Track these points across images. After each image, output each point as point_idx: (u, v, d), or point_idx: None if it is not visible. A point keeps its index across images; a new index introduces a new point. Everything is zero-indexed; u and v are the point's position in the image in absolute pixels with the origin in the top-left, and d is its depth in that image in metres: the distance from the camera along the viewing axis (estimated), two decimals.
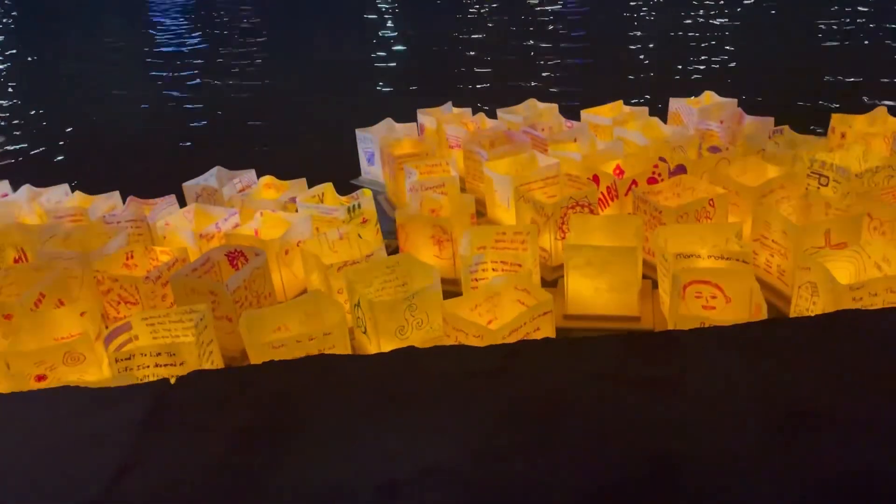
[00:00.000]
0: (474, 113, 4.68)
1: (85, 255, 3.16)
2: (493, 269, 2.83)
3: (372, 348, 2.66)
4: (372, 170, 4.54)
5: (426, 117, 4.60)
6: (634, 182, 3.15)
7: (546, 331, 2.46)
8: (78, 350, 2.45)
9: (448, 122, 4.49)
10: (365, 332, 2.68)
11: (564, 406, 1.37)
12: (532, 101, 4.72)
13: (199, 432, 1.58)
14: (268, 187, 3.89)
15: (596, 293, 2.73)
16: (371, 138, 4.45)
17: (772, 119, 3.80)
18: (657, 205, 2.89)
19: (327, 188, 3.70)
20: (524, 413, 1.38)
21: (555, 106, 4.63)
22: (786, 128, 3.65)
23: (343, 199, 3.68)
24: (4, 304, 2.77)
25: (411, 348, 1.74)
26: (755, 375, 1.37)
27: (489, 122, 4.50)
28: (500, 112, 4.59)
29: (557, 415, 1.35)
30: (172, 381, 1.80)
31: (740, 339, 1.49)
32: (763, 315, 2.07)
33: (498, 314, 2.62)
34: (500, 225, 3.27)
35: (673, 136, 3.69)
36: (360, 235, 3.15)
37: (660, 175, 3.20)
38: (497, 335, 2.25)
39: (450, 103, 4.73)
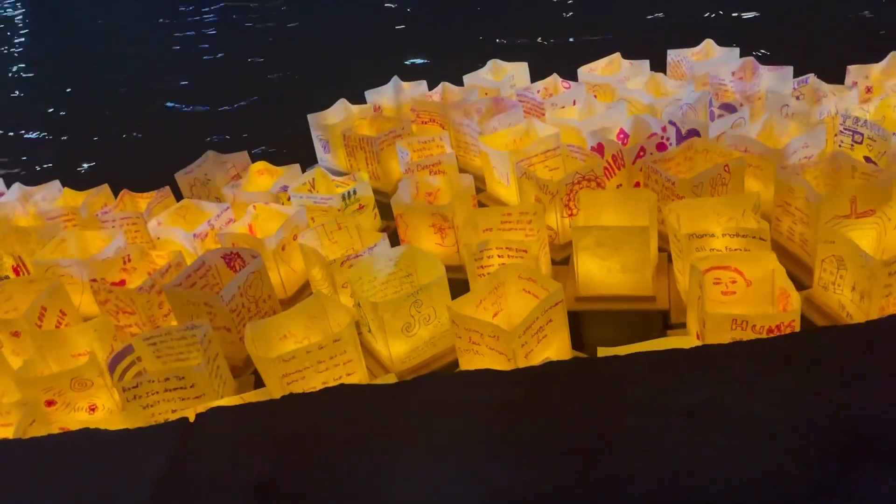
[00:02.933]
0: (431, 87, 4.34)
1: (83, 261, 3.07)
2: (499, 256, 2.74)
3: (380, 348, 2.61)
4: (328, 157, 4.16)
5: (380, 97, 4.24)
6: (642, 149, 3.02)
7: (559, 321, 2.39)
8: (85, 376, 2.39)
9: (407, 97, 4.20)
10: (370, 332, 2.61)
11: (604, 444, 1.30)
12: (495, 62, 4.44)
13: (220, 483, 1.52)
14: (260, 174, 3.76)
15: (608, 274, 2.65)
16: (325, 125, 4.06)
17: (790, 68, 3.53)
18: (669, 175, 2.77)
19: (318, 173, 3.57)
20: (561, 453, 1.31)
21: (524, 64, 4.39)
22: (812, 76, 3.40)
23: (337, 180, 3.57)
24: (12, 322, 2.71)
25: (434, 375, 1.68)
26: (809, 397, 1.28)
27: (456, 91, 4.23)
28: (466, 78, 4.31)
29: (597, 455, 1.28)
30: (192, 418, 1.74)
31: (787, 355, 1.40)
32: (793, 303, 1.98)
33: (503, 305, 2.55)
34: (505, 205, 3.15)
35: (681, 93, 3.49)
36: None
37: (668, 139, 3.06)
38: (513, 335, 2.18)
39: (396, 77, 4.35)
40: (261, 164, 3.72)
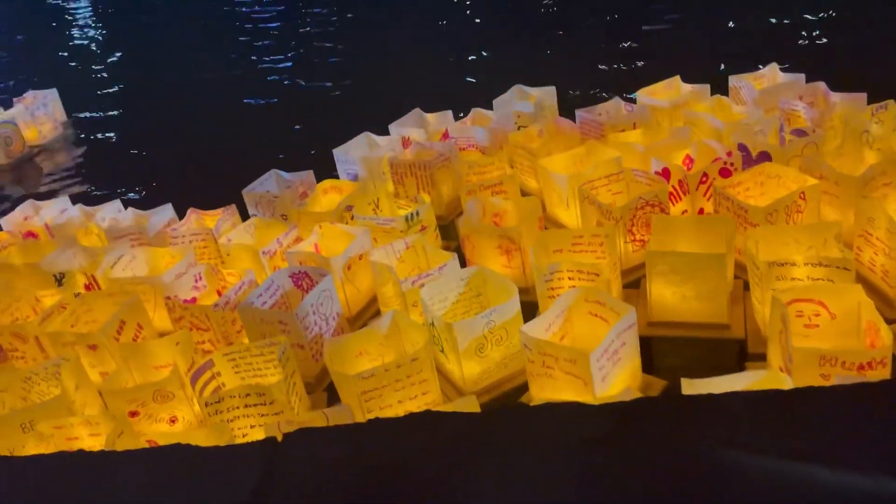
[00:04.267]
0: (457, 117, 4.35)
1: (157, 278, 3.16)
2: (570, 278, 2.75)
3: (452, 367, 2.62)
4: None
5: (405, 129, 4.24)
6: (705, 175, 3.01)
7: (632, 344, 2.39)
8: (167, 389, 2.45)
9: (435, 127, 4.21)
10: (442, 351, 2.64)
11: (701, 486, 1.28)
12: (519, 88, 4.43)
13: None
14: (325, 192, 3.82)
15: (681, 300, 2.63)
16: (354, 159, 4.05)
17: (864, 95, 3.49)
18: (740, 201, 2.75)
19: (383, 193, 3.62)
20: (655, 493, 1.30)
21: (552, 89, 4.40)
22: (890, 102, 3.34)
23: (400, 202, 3.62)
24: (90, 336, 2.79)
25: (520, 406, 1.68)
26: None
27: (491, 116, 4.23)
28: (495, 103, 4.35)
29: (693, 498, 1.27)
30: (279, 437, 1.77)
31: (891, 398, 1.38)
32: (884, 339, 1.94)
33: (569, 329, 2.56)
34: (571, 228, 3.15)
35: (750, 118, 3.47)
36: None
37: (733, 165, 3.04)
38: (591, 358, 2.18)
39: (417, 109, 4.37)
40: (328, 183, 3.78)
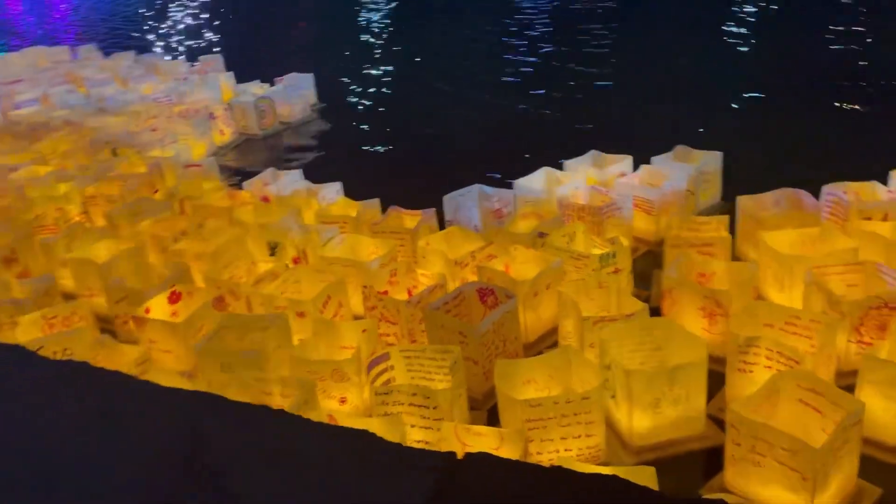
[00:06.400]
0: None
1: (363, 263, 3.39)
2: (767, 357, 2.53)
3: (620, 416, 2.53)
4: None
5: (580, 169, 4.16)
6: None
7: (855, 443, 2.17)
8: (345, 370, 2.62)
9: (614, 171, 4.10)
10: (613, 397, 2.55)
11: None
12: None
13: None
14: (524, 217, 3.85)
15: (894, 420, 2.32)
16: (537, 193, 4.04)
17: None
18: None
19: (579, 228, 3.57)
20: None
21: (718, 154, 4.12)
22: None
23: (596, 240, 3.54)
24: (301, 303, 3.05)
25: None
26: None
27: (662, 173, 3.99)
28: (654, 160, 4.14)
29: None
30: (460, 455, 1.78)
31: None
32: None
33: (772, 413, 2.34)
34: (793, 308, 2.87)
35: None
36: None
37: None
38: (818, 453, 2.00)
39: (594, 151, 4.31)
40: (529, 208, 3.82)
